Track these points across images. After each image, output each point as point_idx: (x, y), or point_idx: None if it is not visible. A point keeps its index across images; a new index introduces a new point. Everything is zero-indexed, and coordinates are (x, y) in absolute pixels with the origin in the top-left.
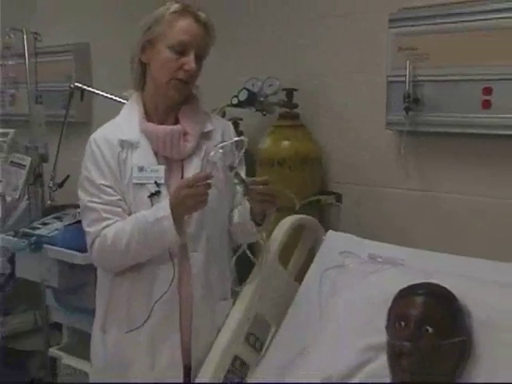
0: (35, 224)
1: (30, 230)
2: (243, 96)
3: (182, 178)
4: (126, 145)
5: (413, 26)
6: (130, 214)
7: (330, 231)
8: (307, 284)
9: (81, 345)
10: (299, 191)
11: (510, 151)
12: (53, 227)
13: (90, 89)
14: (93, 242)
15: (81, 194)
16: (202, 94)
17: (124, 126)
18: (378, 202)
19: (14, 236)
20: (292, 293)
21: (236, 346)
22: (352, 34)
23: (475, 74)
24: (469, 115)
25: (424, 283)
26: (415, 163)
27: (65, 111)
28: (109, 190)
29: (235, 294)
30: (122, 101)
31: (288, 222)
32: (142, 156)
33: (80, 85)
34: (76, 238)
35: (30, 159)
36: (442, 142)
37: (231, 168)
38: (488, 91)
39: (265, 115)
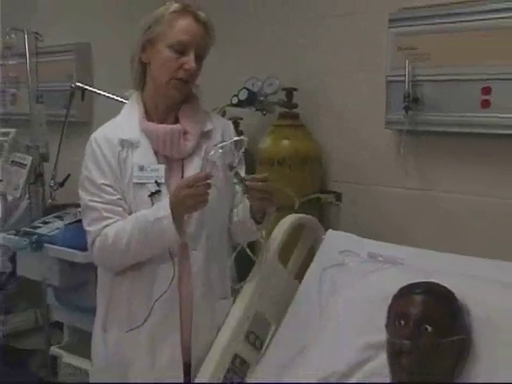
0: (36, 223)
1: (31, 229)
2: (243, 95)
3: (183, 177)
4: (127, 144)
5: (412, 25)
6: (130, 213)
7: (330, 230)
8: (307, 283)
9: (81, 343)
10: (299, 190)
11: (509, 150)
12: (54, 226)
13: (90, 88)
14: (93, 241)
15: (81, 193)
16: (202, 93)
17: (124, 126)
18: (378, 201)
19: (15, 235)
20: (292, 291)
21: (236, 345)
22: (352, 33)
23: (474, 74)
24: (468, 115)
25: (424, 282)
26: (415, 162)
27: (66, 111)
28: (109, 189)
29: (235, 293)
30: (123, 100)
31: (288, 221)
32: (143, 155)
33: (81, 84)
34: (77, 237)
35: (30, 158)
36: (441, 142)
37: (231, 167)
38: (487, 91)
39: (265, 115)
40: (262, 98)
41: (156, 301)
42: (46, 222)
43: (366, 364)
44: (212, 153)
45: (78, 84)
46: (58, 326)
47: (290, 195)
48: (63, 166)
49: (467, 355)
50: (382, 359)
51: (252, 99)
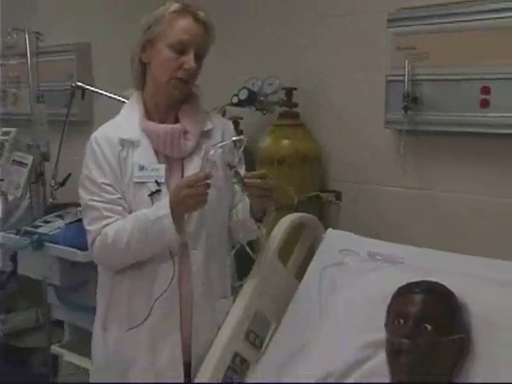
0: (37, 222)
1: (32, 229)
2: (243, 95)
3: (183, 176)
4: (127, 144)
5: (411, 25)
6: (130, 213)
7: (330, 229)
8: (307, 281)
9: (82, 342)
10: (299, 189)
11: (508, 150)
12: (54, 225)
13: (91, 88)
14: (93, 241)
15: (82, 192)
16: (203, 93)
17: (124, 125)
18: (378, 201)
19: (16, 234)
20: (292, 290)
21: (236, 343)
22: (352, 33)
23: (473, 74)
24: (467, 114)
25: (423, 281)
26: (414, 162)
27: (66, 110)
28: (109, 188)
29: (235, 292)
30: (123, 100)
31: (288, 220)
32: (143, 155)
33: (81, 84)
34: (77, 236)
35: (31, 158)
36: (440, 141)
37: (231, 167)
38: (486, 90)
39: (265, 114)
40: (262, 98)
41: (156, 300)
42: (46, 222)
43: (365, 362)
44: (211, 152)
45: (79, 83)
46: (59, 324)
47: (289, 192)
48: (64, 165)
49: (466, 354)
50: (382, 358)
51: (252, 99)
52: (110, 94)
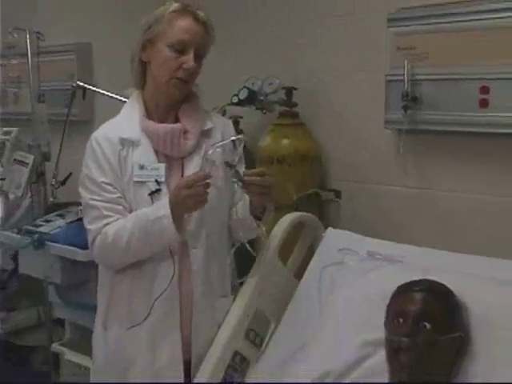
0: (38, 221)
1: (33, 228)
2: (243, 95)
3: (183, 175)
4: (127, 143)
5: (411, 25)
6: (130, 212)
7: (330, 228)
8: (307, 280)
9: (83, 341)
10: (299, 189)
11: (507, 149)
12: (55, 224)
13: (91, 87)
14: (94, 240)
15: (82, 191)
16: (203, 92)
17: (125, 125)
18: (377, 200)
19: (17, 233)
20: (292, 289)
21: (236, 342)
22: (352, 33)
23: (473, 73)
24: (466, 114)
25: (422, 280)
26: (414, 161)
27: (67, 110)
28: (109, 187)
29: (235, 290)
30: (124, 99)
31: (288, 219)
32: (143, 154)
33: (82, 83)
34: (78, 235)
35: (32, 157)
36: (440, 141)
37: (230, 166)
38: (485, 90)
39: (265, 113)
40: (261, 97)
41: (156, 299)
42: (47, 221)
43: (365, 361)
44: (210, 152)
45: (79, 83)
46: (60, 323)
47: (288, 189)
48: (65, 164)
49: (465, 353)
50: (381, 356)
51: (252, 98)
52: (110, 94)
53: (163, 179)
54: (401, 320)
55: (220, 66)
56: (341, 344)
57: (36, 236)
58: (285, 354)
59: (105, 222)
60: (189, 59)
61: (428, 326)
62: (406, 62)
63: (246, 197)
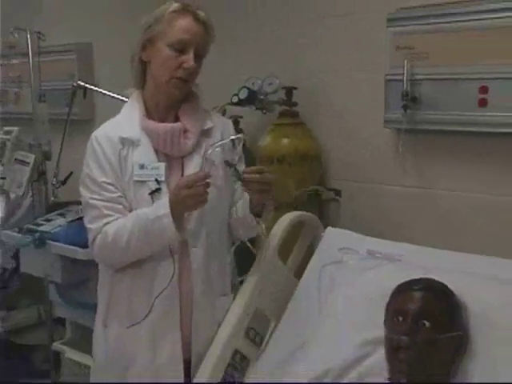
0: (39, 220)
1: (34, 227)
2: (243, 94)
3: (183, 175)
4: (127, 142)
5: (410, 25)
6: (130, 211)
7: (329, 228)
8: (306, 279)
9: (84, 339)
10: (298, 188)
11: (506, 149)
12: (56, 223)
13: (92, 87)
14: (94, 239)
15: (82, 191)
16: (202, 92)
17: (125, 124)
18: (377, 199)
19: (18, 232)
20: (291, 288)
21: (236, 341)
22: (351, 33)
23: (472, 73)
24: (466, 113)
25: (421, 278)
26: (413, 161)
27: (68, 109)
28: (110, 187)
29: (235, 289)
30: (124, 99)
31: (287, 218)
32: (143, 153)
33: (83, 83)
34: (78, 234)
35: (33, 157)
36: (439, 140)
37: (230, 165)
38: (484, 90)
39: (265, 113)
40: (262, 97)
41: (156, 298)
42: (48, 220)
43: (364, 359)
44: (209, 152)
45: (80, 83)
46: (61, 321)
47: (288, 186)
48: (65, 163)
49: (464, 352)
50: (381, 355)
51: (252, 98)
52: (111, 94)
53: (163, 178)
54: (400, 318)
55: (220, 65)
56: (340, 342)
57: (37, 235)
58: (285, 352)
59: (105, 221)
60: (189, 59)
61: (427, 324)
62: (405, 61)
63: (246, 195)
